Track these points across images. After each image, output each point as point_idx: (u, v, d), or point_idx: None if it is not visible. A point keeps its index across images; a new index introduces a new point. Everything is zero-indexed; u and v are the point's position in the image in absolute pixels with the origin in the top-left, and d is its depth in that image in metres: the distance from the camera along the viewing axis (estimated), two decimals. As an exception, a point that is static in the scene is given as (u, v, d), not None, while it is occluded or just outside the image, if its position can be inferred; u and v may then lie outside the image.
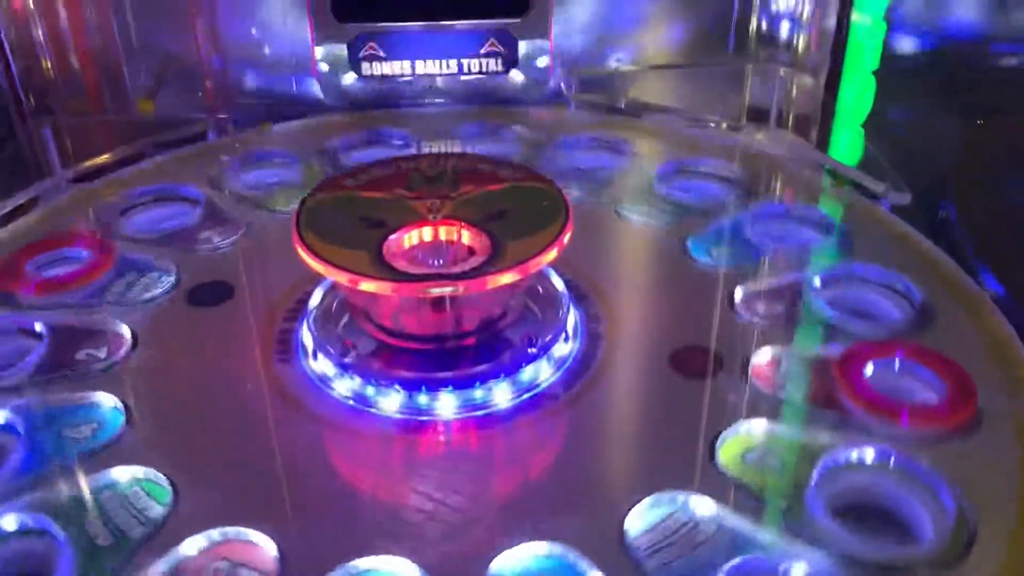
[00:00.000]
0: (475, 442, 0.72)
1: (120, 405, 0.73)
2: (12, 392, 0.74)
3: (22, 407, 0.72)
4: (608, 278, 0.90)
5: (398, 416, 0.73)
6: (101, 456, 0.68)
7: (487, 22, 1.23)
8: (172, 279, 0.89)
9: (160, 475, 0.66)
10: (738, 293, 0.86)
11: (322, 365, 0.77)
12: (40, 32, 1.20)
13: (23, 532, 0.63)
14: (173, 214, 1.03)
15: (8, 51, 1.17)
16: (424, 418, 0.73)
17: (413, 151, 1.13)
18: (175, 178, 1.07)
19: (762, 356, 0.77)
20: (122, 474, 0.66)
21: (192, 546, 0.61)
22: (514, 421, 0.72)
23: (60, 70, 1.23)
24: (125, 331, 0.81)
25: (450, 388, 0.73)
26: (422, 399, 0.73)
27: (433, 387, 0.73)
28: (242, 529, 0.61)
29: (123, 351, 0.79)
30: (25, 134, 1.22)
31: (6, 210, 1.00)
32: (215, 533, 0.61)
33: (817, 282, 0.87)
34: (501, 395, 0.74)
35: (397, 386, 0.74)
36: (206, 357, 0.80)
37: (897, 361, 0.75)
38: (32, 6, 1.19)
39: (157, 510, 0.63)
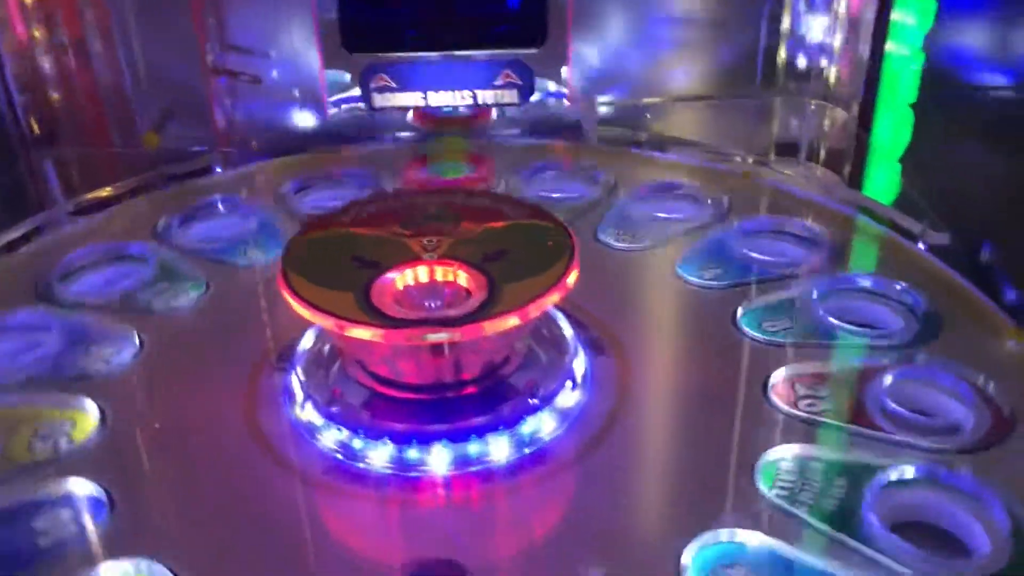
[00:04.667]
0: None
1: (100, 491, 0.65)
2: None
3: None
4: (615, 313, 0.84)
5: (388, 471, 0.67)
6: (84, 552, 0.61)
7: (502, 52, 1.18)
8: (134, 345, 0.82)
9: (155, 564, 0.59)
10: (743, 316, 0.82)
11: (309, 415, 0.71)
12: (46, 63, 1.18)
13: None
14: (124, 274, 0.94)
15: (10, 81, 1.15)
16: (415, 474, 0.67)
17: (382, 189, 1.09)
18: (124, 235, 1.00)
19: (779, 377, 0.74)
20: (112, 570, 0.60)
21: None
22: (520, 477, 0.67)
23: (66, 101, 1.21)
24: (91, 408, 0.74)
25: (444, 441, 0.68)
26: (412, 453, 0.67)
27: (425, 440, 0.67)
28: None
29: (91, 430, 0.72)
30: (27, 165, 1.19)
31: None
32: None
33: (816, 295, 0.84)
34: (499, 450, 0.68)
35: (387, 439, 0.68)
36: (184, 424, 0.74)
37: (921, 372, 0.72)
38: (38, 36, 1.17)
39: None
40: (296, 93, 1.23)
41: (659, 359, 0.81)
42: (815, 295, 0.84)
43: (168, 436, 0.72)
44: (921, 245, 0.95)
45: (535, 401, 0.70)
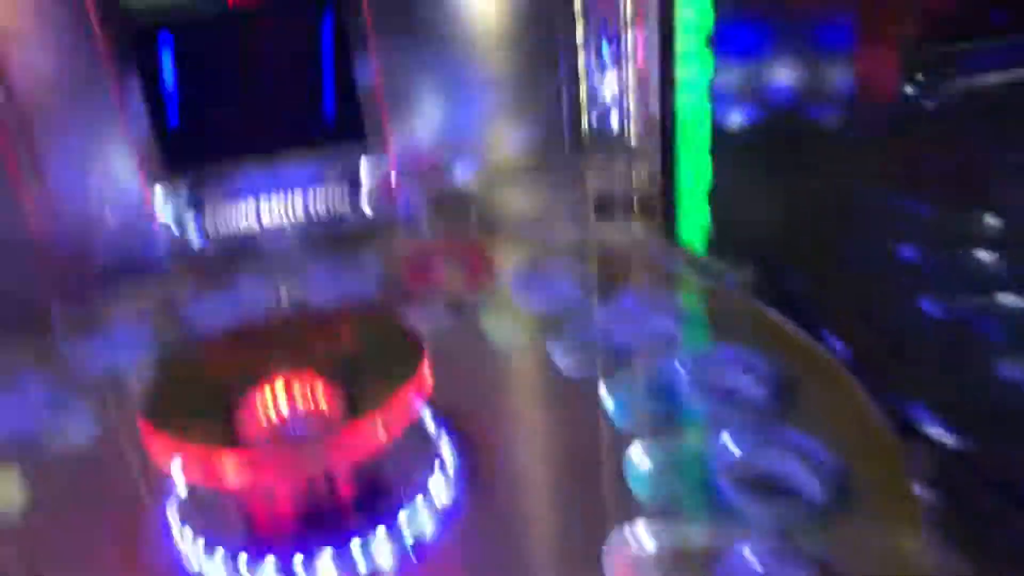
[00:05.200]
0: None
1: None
2: None
3: None
4: (475, 405, 0.89)
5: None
6: None
7: (325, 150, 1.23)
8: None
9: None
10: (605, 396, 0.86)
11: (190, 542, 0.73)
12: None
13: None
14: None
15: None
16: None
17: (263, 296, 1.11)
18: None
19: (636, 455, 0.78)
20: None
21: None
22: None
23: None
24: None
25: (328, 549, 0.71)
26: (296, 565, 0.70)
27: (307, 551, 0.70)
28: None
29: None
30: None
31: None
32: None
33: (680, 369, 0.89)
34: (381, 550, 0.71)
35: (271, 556, 0.70)
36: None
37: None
38: None
39: None
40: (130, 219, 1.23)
41: (522, 444, 0.85)
42: (676, 370, 0.89)
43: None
44: (730, 282, 1.05)
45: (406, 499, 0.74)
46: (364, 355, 0.77)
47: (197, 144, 1.20)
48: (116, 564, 0.73)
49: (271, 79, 1.20)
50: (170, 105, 1.16)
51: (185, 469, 0.76)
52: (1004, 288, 0.98)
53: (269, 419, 0.73)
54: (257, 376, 0.75)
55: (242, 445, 0.68)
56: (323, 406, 0.73)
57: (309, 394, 0.74)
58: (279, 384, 0.74)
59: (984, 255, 1.07)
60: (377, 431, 0.70)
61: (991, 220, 1.12)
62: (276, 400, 0.74)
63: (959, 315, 0.97)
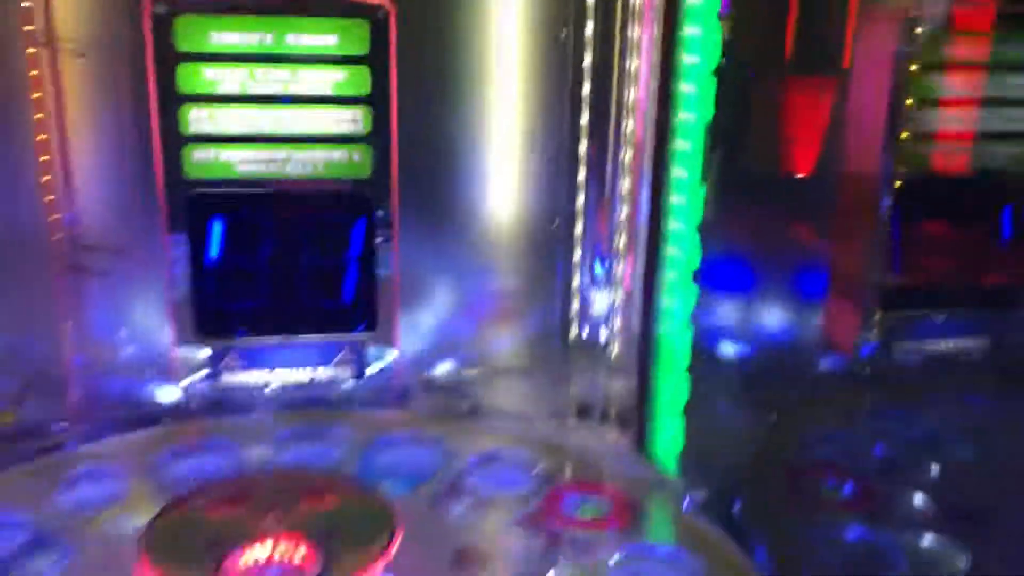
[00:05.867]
0: None
1: None
2: None
3: None
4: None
5: None
6: None
7: (339, 336, 1.37)
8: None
9: None
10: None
11: None
12: None
13: None
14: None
15: None
16: None
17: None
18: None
19: None
20: None
21: None
22: None
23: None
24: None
25: None
26: None
27: None
28: None
29: None
30: None
31: None
32: None
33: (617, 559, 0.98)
34: None
35: None
36: None
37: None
38: None
39: None
40: (148, 372, 1.36)
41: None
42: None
43: None
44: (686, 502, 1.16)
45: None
46: (343, 521, 0.87)
47: (226, 314, 1.34)
48: None
49: (301, 263, 1.35)
50: (208, 273, 1.31)
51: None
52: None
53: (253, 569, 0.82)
54: (248, 528, 0.85)
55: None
56: (302, 561, 0.83)
57: (291, 554, 0.84)
58: (268, 541, 0.84)
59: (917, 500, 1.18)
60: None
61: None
62: (261, 556, 0.84)
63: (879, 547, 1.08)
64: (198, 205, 1.28)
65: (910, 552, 1.07)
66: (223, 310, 1.33)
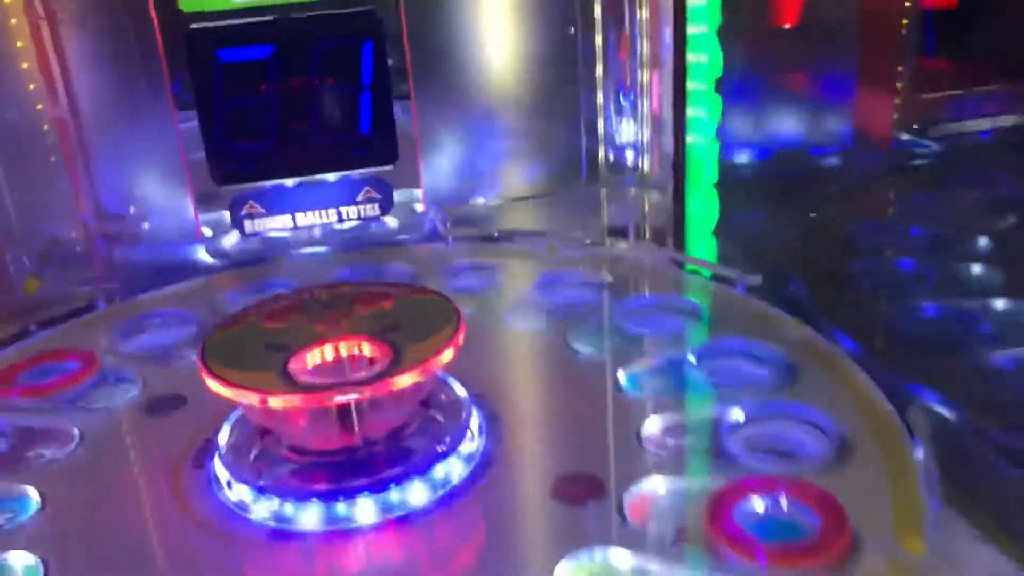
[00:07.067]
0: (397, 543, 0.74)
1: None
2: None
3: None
4: (501, 379, 0.96)
5: (321, 530, 0.74)
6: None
7: (360, 171, 1.32)
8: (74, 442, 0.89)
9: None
10: (619, 376, 0.93)
11: (238, 492, 0.78)
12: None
13: None
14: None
15: None
16: (347, 527, 0.75)
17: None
18: (70, 343, 1.08)
19: (648, 421, 0.84)
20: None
21: None
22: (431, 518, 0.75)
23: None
24: (33, 494, 0.81)
25: (366, 494, 0.76)
26: (341, 508, 0.75)
27: (350, 495, 0.76)
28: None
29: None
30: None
31: None
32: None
33: (691, 354, 0.95)
34: (416, 495, 0.77)
35: (315, 499, 0.76)
36: (124, 509, 0.80)
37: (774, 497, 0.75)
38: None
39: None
40: (175, 228, 1.31)
41: (543, 413, 0.92)
42: (688, 358, 0.96)
43: (104, 517, 0.78)
44: (739, 288, 1.13)
45: (442, 449, 0.80)
46: (406, 319, 0.84)
47: (239, 157, 1.28)
48: (165, 514, 0.79)
49: (311, 96, 1.28)
50: (218, 118, 1.25)
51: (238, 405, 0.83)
52: (992, 294, 1.06)
53: (320, 368, 0.79)
54: (307, 332, 0.82)
55: (292, 389, 0.74)
56: (368, 356, 0.80)
57: (357, 349, 0.81)
58: (329, 342, 0.81)
59: (975, 267, 1.15)
60: (416, 379, 0.76)
61: (980, 240, 1.21)
62: (324, 351, 0.80)
63: (952, 315, 1.05)
64: (197, 41, 1.21)
65: (983, 316, 1.04)
66: (236, 153, 1.27)
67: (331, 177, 1.31)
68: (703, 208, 1.46)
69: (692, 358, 0.96)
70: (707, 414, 0.86)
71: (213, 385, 0.76)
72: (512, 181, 1.48)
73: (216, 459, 0.82)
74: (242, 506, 0.77)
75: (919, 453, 0.77)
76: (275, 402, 0.74)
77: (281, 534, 0.75)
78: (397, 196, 1.35)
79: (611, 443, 0.83)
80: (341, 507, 0.76)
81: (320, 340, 0.81)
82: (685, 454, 0.81)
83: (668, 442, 0.82)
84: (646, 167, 1.50)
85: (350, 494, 0.76)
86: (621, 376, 0.93)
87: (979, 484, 0.77)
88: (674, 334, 1.03)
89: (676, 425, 0.85)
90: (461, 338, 0.80)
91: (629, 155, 1.52)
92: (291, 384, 0.75)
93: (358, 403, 0.76)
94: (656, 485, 0.76)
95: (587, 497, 0.75)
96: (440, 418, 0.86)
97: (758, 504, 0.71)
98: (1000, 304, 1.04)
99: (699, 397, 0.90)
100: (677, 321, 1.07)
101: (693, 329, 1.04)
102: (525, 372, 1.02)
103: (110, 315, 1.17)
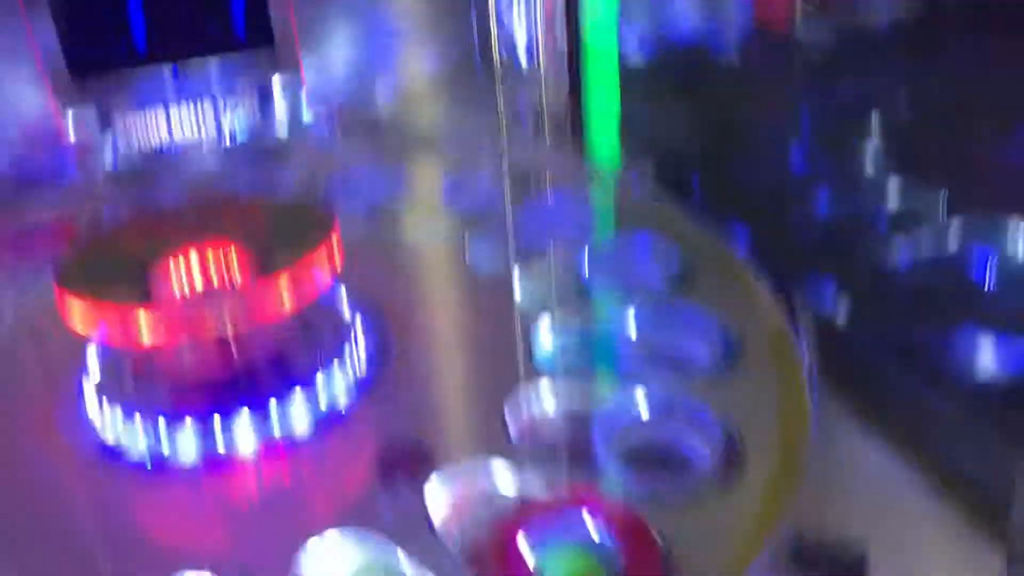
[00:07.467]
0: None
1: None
2: None
3: None
4: (391, 290, 0.92)
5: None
6: None
7: (235, 56, 1.22)
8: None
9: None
10: (514, 281, 0.90)
11: (108, 416, 0.74)
12: None
13: None
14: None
15: None
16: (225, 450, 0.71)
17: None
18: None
19: (541, 329, 0.82)
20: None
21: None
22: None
23: None
24: None
25: (246, 413, 0.72)
26: (216, 427, 0.72)
27: (228, 415, 0.72)
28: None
29: None
30: None
31: None
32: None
33: (586, 258, 0.94)
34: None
35: (189, 418, 0.72)
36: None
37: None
38: None
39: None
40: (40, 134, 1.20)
41: (431, 322, 0.89)
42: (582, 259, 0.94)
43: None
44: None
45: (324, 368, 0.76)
46: (276, 228, 0.79)
47: (104, 51, 1.17)
48: (31, 433, 0.74)
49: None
50: (74, 11, 1.14)
51: (100, 331, 0.78)
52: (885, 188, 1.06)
53: (183, 281, 0.74)
54: (171, 246, 0.76)
55: (157, 303, 0.69)
56: (236, 269, 0.75)
57: (222, 259, 0.76)
58: (193, 252, 0.75)
59: (868, 164, 1.14)
60: (289, 290, 0.72)
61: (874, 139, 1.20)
62: (190, 264, 0.75)
63: (846, 211, 1.04)
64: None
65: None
66: (97, 43, 1.16)
67: (204, 64, 1.21)
68: (602, 101, 1.42)
69: (587, 259, 0.94)
70: (600, 322, 0.84)
71: (71, 314, 0.70)
72: (403, 77, 1.41)
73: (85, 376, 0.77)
74: (110, 425, 0.73)
75: (805, 356, 0.77)
76: (138, 335, 0.69)
77: (157, 461, 0.71)
78: (279, 96, 1.26)
79: (505, 355, 0.80)
80: (215, 426, 0.72)
81: (185, 250, 0.76)
82: (575, 362, 0.80)
83: (559, 351, 0.80)
84: (541, 63, 1.45)
85: (225, 412, 0.72)
86: (516, 284, 0.90)
87: (866, 384, 0.78)
88: (571, 237, 1.01)
89: (568, 334, 0.83)
90: (334, 244, 0.76)
91: (522, 52, 1.46)
92: (152, 304, 0.70)
93: (232, 320, 0.72)
94: (543, 395, 0.74)
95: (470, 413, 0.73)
96: (323, 330, 0.82)
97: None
98: (895, 201, 1.05)
99: (593, 304, 0.89)
100: (576, 223, 1.04)
101: (591, 231, 1.02)
102: (418, 287, 0.98)
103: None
